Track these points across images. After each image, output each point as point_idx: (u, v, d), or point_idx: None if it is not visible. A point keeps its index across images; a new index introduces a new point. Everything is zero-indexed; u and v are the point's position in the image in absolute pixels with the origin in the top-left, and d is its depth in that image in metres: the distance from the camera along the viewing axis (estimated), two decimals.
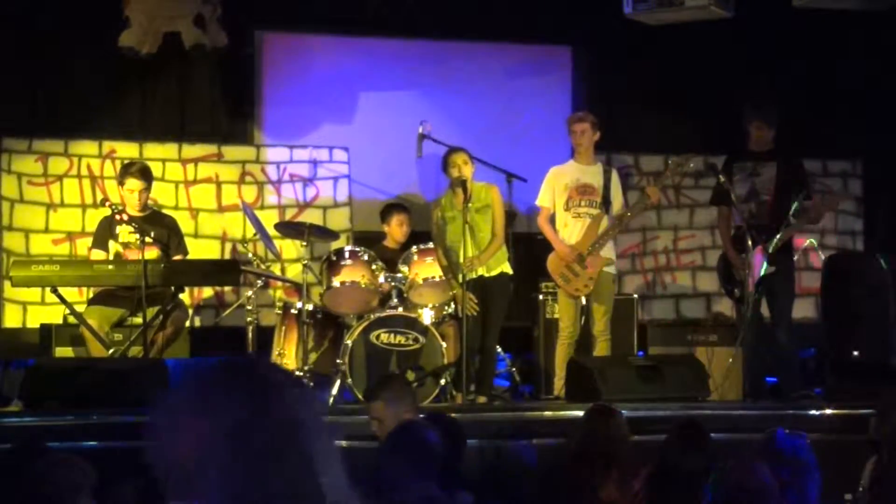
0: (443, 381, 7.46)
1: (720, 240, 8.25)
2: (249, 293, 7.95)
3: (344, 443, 5.96)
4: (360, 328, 7.56)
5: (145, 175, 7.74)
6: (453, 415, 6.56)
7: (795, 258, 8.35)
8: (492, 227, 7.51)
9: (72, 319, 7.55)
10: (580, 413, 5.33)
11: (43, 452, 4.25)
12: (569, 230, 7.68)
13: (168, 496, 4.05)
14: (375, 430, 5.25)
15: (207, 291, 9.03)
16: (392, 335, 7.60)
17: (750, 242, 7.47)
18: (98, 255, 7.63)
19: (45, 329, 8.00)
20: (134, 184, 7.66)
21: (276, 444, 1.65)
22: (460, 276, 7.35)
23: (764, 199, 7.82)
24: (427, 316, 7.79)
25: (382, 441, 4.79)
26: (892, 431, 5.29)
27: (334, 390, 7.49)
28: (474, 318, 7.40)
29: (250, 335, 7.82)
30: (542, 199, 7.76)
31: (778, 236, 7.64)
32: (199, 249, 8.74)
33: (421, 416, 5.35)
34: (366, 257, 7.82)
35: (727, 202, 7.81)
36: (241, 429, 1.66)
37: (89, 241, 7.95)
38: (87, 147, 9.05)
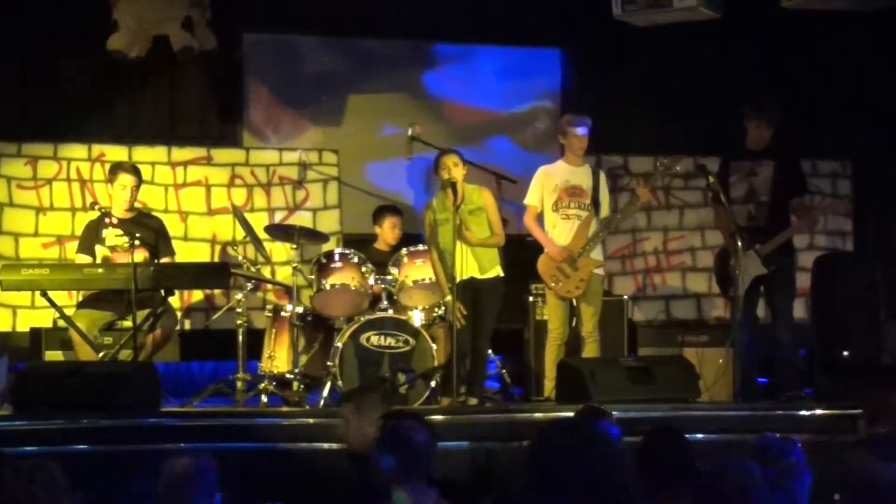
0: (433, 384, 7.47)
1: (710, 240, 8.22)
2: (239, 296, 7.93)
3: (335, 445, 5.96)
4: (351, 330, 7.56)
5: (137, 172, 7.73)
6: (443, 417, 6.57)
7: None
8: (489, 229, 7.48)
9: (61, 323, 7.52)
10: (571, 414, 5.32)
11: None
12: (557, 231, 7.66)
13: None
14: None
15: (197, 295, 9.02)
16: (382, 337, 7.60)
17: (740, 243, 7.45)
18: (83, 259, 7.57)
19: (35, 333, 7.99)
20: (127, 179, 7.62)
21: None
22: (455, 278, 7.29)
23: (763, 199, 7.75)
24: (417, 318, 7.79)
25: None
26: (882, 430, 5.31)
27: (325, 392, 7.49)
28: (464, 322, 7.36)
29: (240, 338, 7.81)
30: (531, 198, 7.73)
31: (776, 238, 7.62)
32: (189, 252, 8.73)
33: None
34: (356, 260, 7.82)
35: (720, 203, 7.73)
36: None
37: None
38: (76, 150, 9.04)
